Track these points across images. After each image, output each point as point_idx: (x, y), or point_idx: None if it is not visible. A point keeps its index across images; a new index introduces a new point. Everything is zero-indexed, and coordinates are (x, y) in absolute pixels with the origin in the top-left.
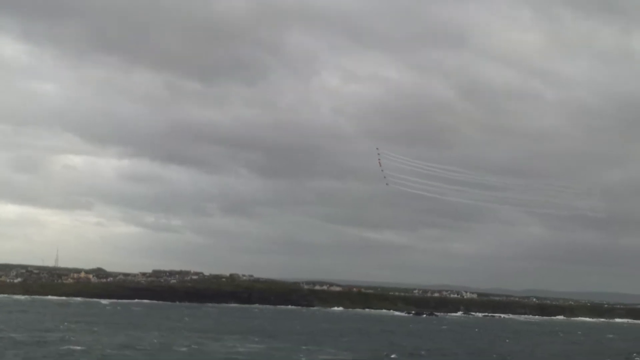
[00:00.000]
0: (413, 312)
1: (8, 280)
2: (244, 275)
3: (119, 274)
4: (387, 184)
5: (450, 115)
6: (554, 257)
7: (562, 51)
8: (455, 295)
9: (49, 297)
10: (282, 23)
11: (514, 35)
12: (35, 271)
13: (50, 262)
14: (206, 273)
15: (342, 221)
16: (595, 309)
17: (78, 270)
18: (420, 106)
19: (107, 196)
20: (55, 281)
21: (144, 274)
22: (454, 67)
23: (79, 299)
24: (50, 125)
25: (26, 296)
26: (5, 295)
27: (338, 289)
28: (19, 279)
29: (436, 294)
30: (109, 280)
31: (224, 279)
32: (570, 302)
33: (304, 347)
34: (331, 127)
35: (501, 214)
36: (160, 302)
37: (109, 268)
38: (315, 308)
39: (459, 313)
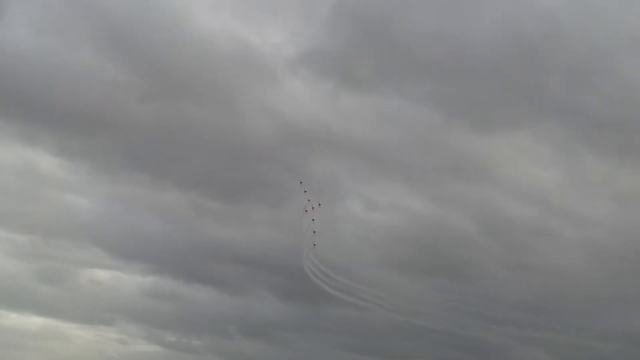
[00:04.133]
0: None
1: None
2: None
3: None
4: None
5: (471, 249)
6: None
7: (581, 190)
8: None
9: None
10: (308, 148)
11: (534, 172)
12: None
13: None
14: None
15: (360, 350)
16: None
17: None
18: (442, 238)
19: (130, 313)
20: None
21: None
22: (475, 201)
23: None
24: (79, 238)
25: None
26: None
27: None
28: None
29: None
30: None
31: None
32: None
33: None
34: (353, 254)
35: (521, 353)
36: None
37: None
38: None
39: None
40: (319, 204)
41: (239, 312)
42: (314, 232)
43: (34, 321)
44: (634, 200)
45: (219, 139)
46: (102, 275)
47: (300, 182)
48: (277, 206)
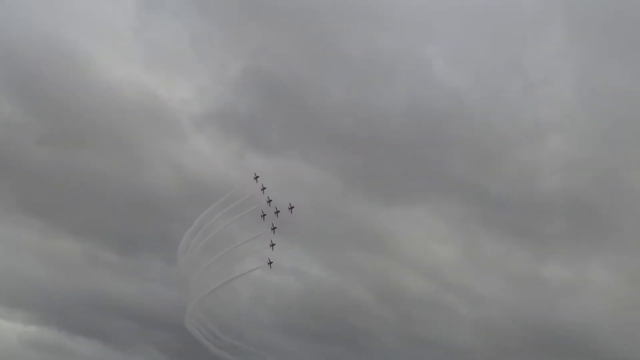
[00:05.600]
0: None
1: None
2: None
3: None
4: None
5: (367, 319)
6: None
7: (477, 268)
8: None
9: None
10: (209, 204)
11: (432, 246)
12: None
13: None
14: None
15: None
16: None
17: None
18: (338, 306)
19: None
20: None
21: None
22: (374, 271)
23: None
24: None
25: None
26: None
27: None
28: None
29: None
30: None
31: None
32: None
33: None
34: (247, 315)
35: None
36: None
37: None
38: None
39: None
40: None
41: None
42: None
43: None
44: (527, 281)
45: (119, 189)
46: None
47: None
48: (174, 262)
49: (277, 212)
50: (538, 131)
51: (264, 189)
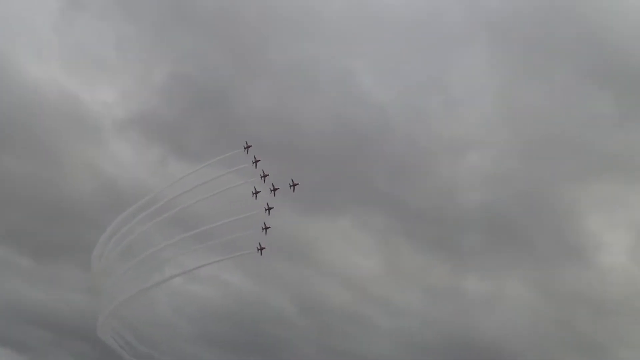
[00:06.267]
0: None
1: None
2: None
3: None
4: None
5: (288, 329)
6: None
7: (397, 280)
8: None
9: None
10: (129, 213)
11: (354, 258)
12: None
13: None
14: None
15: None
16: None
17: None
18: (260, 316)
19: None
20: None
21: None
22: (295, 281)
23: None
24: None
25: None
26: None
27: None
28: None
29: None
30: None
31: None
32: None
33: None
34: (167, 324)
35: None
36: None
37: None
38: None
39: None
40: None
41: None
42: None
43: None
44: (446, 294)
45: (35, 194)
46: None
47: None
48: (89, 270)
49: (275, 189)
50: (458, 147)
51: (256, 161)
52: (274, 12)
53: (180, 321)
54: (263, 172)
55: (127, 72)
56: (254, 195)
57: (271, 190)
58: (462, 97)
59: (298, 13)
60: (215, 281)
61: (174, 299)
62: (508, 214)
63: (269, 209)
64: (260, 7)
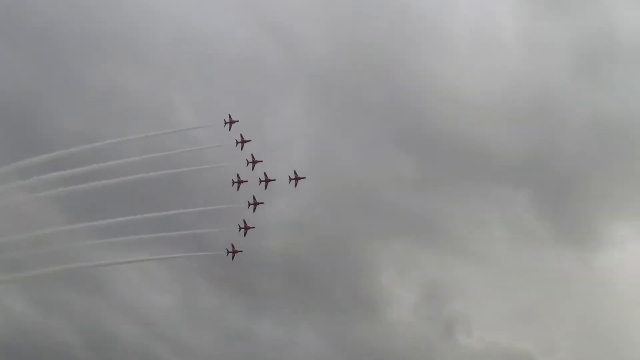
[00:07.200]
0: None
1: None
2: None
3: None
4: None
5: None
6: None
7: (191, 320)
8: None
9: None
10: None
11: (150, 294)
12: None
13: None
14: None
15: None
16: None
17: None
18: (40, 347)
19: None
20: None
21: None
22: (83, 313)
23: None
24: None
25: None
26: None
27: None
28: None
29: None
30: None
31: None
32: None
33: None
34: None
35: None
36: None
37: None
38: None
39: None
40: None
41: None
42: None
43: None
44: (239, 336)
45: None
46: None
47: None
48: None
49: (270, 180)
50: (266, 190)
51: (244, 142)
52: (98, 35)
53: None
54: None
55: None
56: None
57: None
58: (277, 142)
59: (122, 40)
60: None
61: None
62: (307, 260)
63: None
64: (86, 29)
